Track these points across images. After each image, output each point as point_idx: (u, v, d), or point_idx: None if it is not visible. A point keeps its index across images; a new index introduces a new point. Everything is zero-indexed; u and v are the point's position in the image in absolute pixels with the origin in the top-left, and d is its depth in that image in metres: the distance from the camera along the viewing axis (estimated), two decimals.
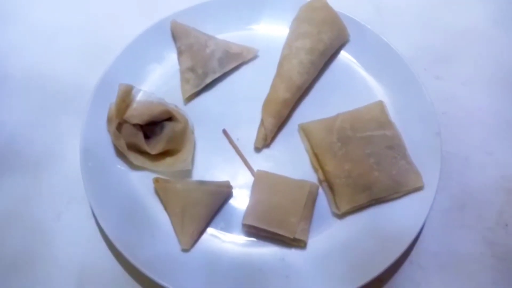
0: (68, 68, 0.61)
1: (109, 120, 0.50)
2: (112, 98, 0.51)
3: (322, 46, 0.56)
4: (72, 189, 0.52)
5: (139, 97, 0.51)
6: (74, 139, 0.52)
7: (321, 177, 0.50)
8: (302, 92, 0.55)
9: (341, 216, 0.49)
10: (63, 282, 0.48)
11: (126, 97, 0.50)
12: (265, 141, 0.53)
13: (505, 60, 0.62)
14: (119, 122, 0.50)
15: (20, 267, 0.49)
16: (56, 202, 0.52)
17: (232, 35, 0.60)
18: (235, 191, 0.51)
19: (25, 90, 0.60)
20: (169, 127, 0.50)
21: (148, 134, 0.51)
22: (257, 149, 0.53)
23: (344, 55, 0.59)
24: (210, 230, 0.48)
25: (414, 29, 0.65)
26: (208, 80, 0.56)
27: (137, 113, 0.50)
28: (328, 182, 0.50)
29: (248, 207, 0.48)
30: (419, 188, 0.49)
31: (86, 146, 0.51)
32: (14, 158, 0.55)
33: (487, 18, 0.66)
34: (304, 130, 0.53)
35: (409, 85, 0.55)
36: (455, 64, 0.62)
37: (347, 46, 0.59)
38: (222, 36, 0.59)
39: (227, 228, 0.49)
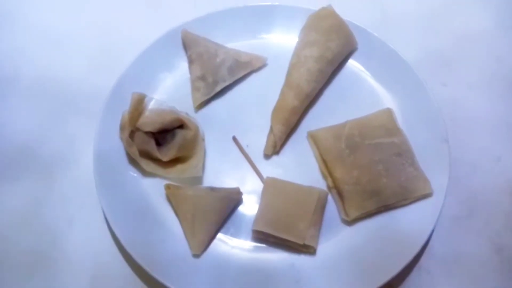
0: (81, 74, 0.62)
1: (122, 128, 0.51)
2: (124, 106, 0.52)
3: (330, 54, 0.56)
4: (85, 194, 0.53)
5: (151, 105, 0.52)
6: (87, 144, 0.54)
7: (330, 184, 0.51)
8: (310, 100, 0.56)
9: (350, 222, 0.49)
10: (75, 286, 0.49)
11: (138, 106, 0.51)
12: (275, 148, 0.54)
13: (510, 64, 0.63)
14: (132, 130, 0.51)
15: (33, 270, 0.49)
16: (69, 206, 0.53)
17: (241, 44, 0.60)
18: (244, 197, 0.51)
19: (38, 95, 0.61)
20: (180, 134, 0.51)
21: (160, 142, 0.52)
22: (267, 156, 0.54)
23: (352, 63, 0.60)
24: (220, 236, 0.49)
25: (419, 35, 0.65)
26: (218, 88, 0.57)
27: (149, 121, 0.50)
28: (337, 189, 0.50)
29: (258, 213, 0.49)
30: (427, 195, 0.49)
31: (99, 153, 0.52)
32: (27, 162, 0.56)
33: (490, 23, 0.67)
34: (313, 137, 0.54)
35: (416, 92, 0.55)
36: (460, 69, 0.62)
37: (355, 54, 0.60)
38: (231, 45, 0.60)
39: (237, 234, 0.49)
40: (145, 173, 0.52)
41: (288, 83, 0.56)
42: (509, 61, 0.63)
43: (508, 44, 0.65)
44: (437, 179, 0.50)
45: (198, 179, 0.52)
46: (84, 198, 0.53)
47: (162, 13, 0.68)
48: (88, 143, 0.53)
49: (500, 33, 0.66)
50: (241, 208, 0.51)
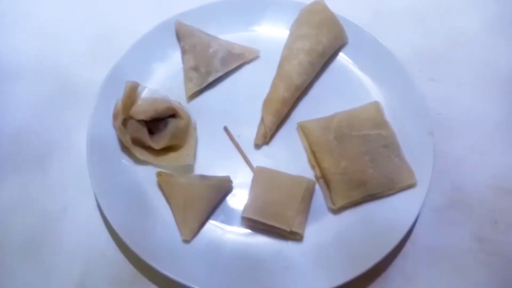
0: (76, 64, 0.63)
1: (115, 116, 0.52)
2: (117, 95, 0.53)
3: (321, 48, 0.58)
4: (78, 182, 0.54)
5: (144, 94, 0.53)
6: (81, 133, 0.54)
7: (318, 173, 0.52)
8: (301, 92, 0.57)
9: (336, 211, 0.50)
10: (68, 271, 0.50)
11: (132, 94, 0.52)
12: (265, 138, 0.55)
13: (498, 63, 0.64)
14: (125, 118, 0.52)
15: (26, 257, 0.50)
16: (63, 194, 0.54)
17: (234, 36, 0.61)
18: (234, 186, 0.53)
19: (32, 84, 0.61)
20: (172, 123, 0.52)
21: (152, 130, 0.52)
22: (257, 146, 0.55)
23: (342, 57, 0.61)
24: (210, 223, 0.50)
25: (410, 32, 0.67)
26: (211, 79, 0.58)
27: (142, 109, 0.51)
28: (324, 179, 0.52)
29: (247, 201, 0.50)
30: (411, 185, 0.51)
31: (92, 141, 0.53)
32: (22, 151, 0.56)
33: (481, 23, 0.68)
34: (303, 128, 0.55)
35: (404, 86, 0.57)
36: (448, 67, 0.64)
37: (345, 48, 0.61)
38: (225, 36, 0.61)
39: (226, 221, 0.50)
40: (137, 161, 0.53)
41: (279, 75, 0.57)
42: (497, 60, 0.65)
43: (496, 44, 0.66)
44: (422, 170, 0.51)
45: (190, 168, 0.53)
46: (78, 186, 0.54)
47: (157, 4, 0.68)
48: (82, 133, 0.54)
49: (489, 33, 0.67)
50: (231, 196, 0.52)
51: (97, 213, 0.52)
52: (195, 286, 0.45)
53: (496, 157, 0.57)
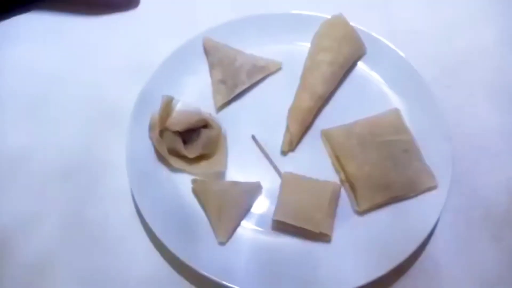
0: (111, 83, 0.65)
1: (152, 128, 0.55)
2: (151, 109, 0.56)
3: (342, 59, 0.60)
4: (118, 196, 0.56)
5: (178, 107, 0.56)
6: (118, 150, 0.57)
7: (343, 177, 0.55)
8: (324, 101, 0.60)
9: (361, 213, 0.52)
10: (109, 277, 0.52)
11: (167, 107, 0.55)
12: (291, 145, 0.57)
13: (506, 71, 0.66)
14: (161, 130, 0.55)
15: (69, 265, 0.53)
16: (105, 205, 0.56)
17: (258, 49, 0.64)
18: (264, 191, 0.55)
19: (70, 105, 0.64)
20: (205, 133, 0.55)
21: (186, 140, 0.55)
22: (284, 153, 0.57)
23: (361, 67, 0.64)
24: (243, 225, 0.53)
25: (425, 41, 0.69)
26: (238, 91, 0.61)
27: (177, 121, 0.54)
28: (349, 183, 0.54)
29: (277, 205, 0.53)
30: (432, 188, 0.53)
31: (131, 153, 0.55)
32: (69, 169, 0.58)
33: (495, 38, 0.70)
34: (326, 135, 0.58)
35: (422, 94, 0.59)
36: (464, 74, 0.66)
37: (364, 59, 0.64)
38: (249, 50, 0.64)
39: (258, 224, 0.53)
40: (173, 169, 0.56)
41: (303, 86, 0.60)
42: (507, 71, 0.66)
43: (506, 56, 0.68)
44: (441, 173, 0.53)
45: (222, 174, 0.56)
46: (118, 200, 0.56)
47: (185, 22, 0.71)
48: (122, 148, 0.56)
49: (504, 48, 0.69)
50: (260, 201, 0.55)
51: (137, 221, 0.55)
52: (234, 286, 0.48)
53: (510, 160, 0.59)
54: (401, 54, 0.62)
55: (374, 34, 0.64)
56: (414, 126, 0.58)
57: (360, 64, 0.64)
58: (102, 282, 0.52)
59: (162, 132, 0.55)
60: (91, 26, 0.72)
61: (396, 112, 0.58)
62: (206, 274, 0.49)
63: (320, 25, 0.64)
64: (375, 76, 0.63)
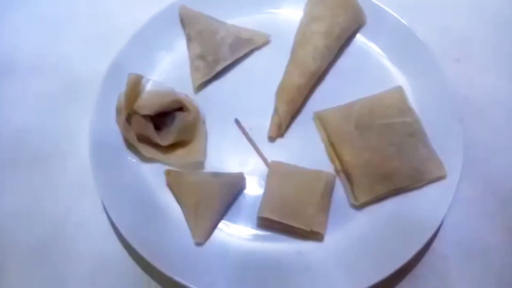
0: (77, 57, 0.60)
1: (118, 112, 0.49)
2: (121, 88, 0.50)
3: (338, 30, 0.54)
4: (83, 182, 0.51)
5: (149, 87, 0.50)
6: (84, 131, 0.51)
7: (338, 167, 0.49)
8: (317, 78, 0.54)
9: (359, 207, 0.47)
10: (75, 276, 0.48)
11: (135, 87, 0.49)
12: (279, 130, 0.52)
13: None
14: (129, 113, 0.49)
15: (32, 261, 0.49)
16: (67, 195, 0.51)
17: (243, 20, 0.58)
18: (248, 183, 0.50)
19: (33, 80, 0.59)
20: (180, 117, 0.50)
21: (159, 125, 0.50)
22: (271, 139, 0.52)
23: (360, 39, 0.57)
24: (223, 223, 0.48)
25: (432, 10, 0.63)
26: (219, 68, 0.55)
27: (146, 103, 0.48)
28: (345, 172, 0.49)
29: (263, 199, 0.47)
30: (441, 177, 0.47)
31: (95, 138, 0.50)
32: (22, 151, 0.54)
33: (506, 3, 0.64)
34: (320, 118, 0.52)
35: (429, 70, 0.53)
36: (474, 47, 0.60)
37: (363, 29, 0.57)
38: (232, 21, 0.58)
39: (241, 221, 0.48)
40: (144, 158, 0.50)
41: (293, 61, 0.54)
42: None
43: None
44: (451, 160, 0.48)
45: (200, 164, 0.50)
46: (83, 187, 0.51)
47: None
48: (85, 129, 0.51)
49: None
50: (245, 194, 0.49)
51: (103, 215, 0.50)
52: None
53: None
54: (405, 23, 0.56)
55: (375, 1, 0.57)
56: (420, 106, 0.52)
57: (358, 36, 0.58)
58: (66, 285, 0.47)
59: (130, 116, 0.49)
60: None
61: (399, 90, 0.52)
62: (180, 280, 0.43)
63: None
64: (375, 50, 0.57)
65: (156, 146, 0.50)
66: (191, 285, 0.43)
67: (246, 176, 0.49)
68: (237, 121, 0.53)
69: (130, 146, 0.50)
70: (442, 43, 0.59)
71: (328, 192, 0.48)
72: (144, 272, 0.47)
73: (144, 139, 0.49)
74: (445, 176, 0.47)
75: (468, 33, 0.61)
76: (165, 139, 0.49)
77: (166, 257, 0.45)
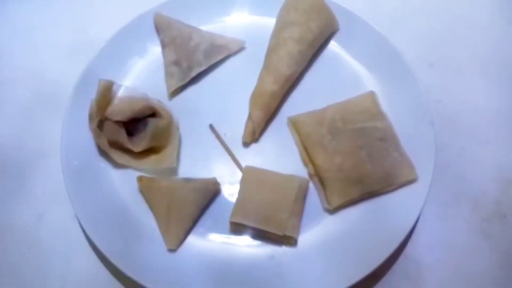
0: (50, 65, 0.59)
1: (90, 118, 0.49)
2: (94, 95, 0.49)
3: (311, 35, 0.54)
4: (55, 191, 0.50)
5: (121, 93, 0.49)
6: (57, 138, 0.51)
7: (312, 171, 0.49)
8: (290, 84, 0.54)
9: (332, 211, 0.47)
10: (46, 284, 0.47)
11: (106, 93, 0.48)
12: (253, 135, 0.51)
13: (499, 47, 0.61)
14: (101, 120, 0.48)
15: (3, 270, 0.47)
16: (39, 204, 0.50)
17: (217, 26, 0.58)
18: (223, 188, 0.49)
19: (5, 88, 0.58)
20: (152, 123, 0.49)
21: (131, 131, 0.49)
22: (245, 144, 0.52)
23: (333, 45, 0.57)
24: (197, 229, 0.47)
25: (405, 16, 0.63)
26: (193, 74, 0.55)
27: (118, 109, 0.48)
28: (318, 177, 0.48)
29: (235, 204, 0.47)
30: (412, 181, 0.47)
31: (67, 145, 0.50)
32: None
33: (480, 5, 0.64)
34: (294, 123, 0.52)
35: (401, 74, 0.53)
36: (448, 51, 0.60)
37: (336, 36, 0.57)
38: (207, 27, 0.58)
39: (214, 227, 0.47)
40: (116, 165, 0.49)
41: (267, 67, 0.54)
42: (497, 44, 0.61)
43: (497, 28, 0.63)
44: (423, 164, 0.48)
45: (173, 170, 0.50)
46: (55, 195, 0.50)
47: None
48: (59, 137, 0.50)
49: (489, 16, 0.63)
50: (219, 200, 0.49)
51: (75, 223, 0.49)
52: None
53: (501, 146, 0.54)
54: (377, 29, 0.56)
55: (347, 7, 0.58)
56: (391, 110, 0.52)
57: (332, 42, 0.58)
58: None
59: (102, 123, 0.48)
60: (31, 3, 0.65)
61: (371, 95, 0.52)
62: (150, 287, 0.42)
63: None
64: (348, 56, 0.57)
65: (128, 152, 0.49)
66: None
67: (220, 181, 0.49)
68: (211, 127, 0.52)
69: (102, 152, 0.50)
70: (415, 48, 0.59)
71: (301, 196, 0.47)
72: (117, 280, 0.46)
73: (117, 145, 0.49)
74: (416, 179, 0.47)
75: (441, 38, 0.61)
76: (137, 145, 0.48)
77: (139, 265, 0.44)
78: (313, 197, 0.48)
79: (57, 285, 0.47)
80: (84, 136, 0.50)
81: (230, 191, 0.49)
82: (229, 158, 0.51)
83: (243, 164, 0.50)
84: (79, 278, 0.47)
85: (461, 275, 0.47)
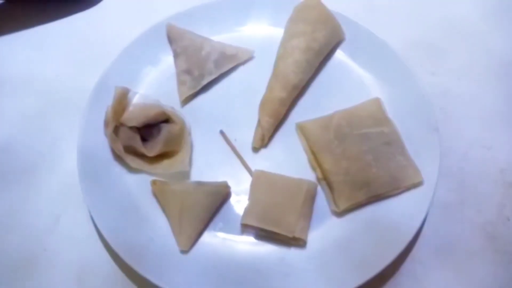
0: (65, 72, 0.61)
1: (106, 124, 0.50)
2: (109, 102, 0.51)
3: (317, 45, 0.56)
4: (70, 194, 0.52)
5: (136, 100, 0.51)
6: (71, 143, 0.52)
7: (320, 175, 0.50)
8: (298, 91, 0.55)
9: (340, 214, 0.48)
10: (62, 286, 0.48)
11: (122, 100, 0.50)
12: (263, 141, 0.53)
13: (498, 52, 0.62)
14: (116, 125, 0.50)
15: (19, 273, 0.49)
16: (54, 207, 0.52)
17: (227, 36, 0.59)
18: (233, 192, 0.50)
19: (20, 94, 0.60)
20: (166, 129, 0.50)
21: (145, 137, 0.51)
22: (255, 149, 0.53)
23: (339, 54, 0.59)
24: (208, 231, 0.48)
25: (406, 25, 0.65)
26: (205, 82, 0.56)
27: (133, 115, 0.49)
28: (326, 180, 0.50)
29: (246, 207, 0.48)
30: (418, 184, 0.48)
31: (83, 150, 0.51)
32: (10, 164, 0.55)
33: (477, 11, 0.66)
34: (301, 129, 0.53)
35: (405, 81, 0.54)
36: (449, 59, 0.62)
37: (342, 45, 0.59)
38: (217, 38, 0.59)
39: (225, 229, 0.48)
40: (131, 169, 0.51)
41: (275, 75, 0.55)
42: (496, 49, 0.62)
43: (494, 32, 0.64)
44: (428, 168, 0.49)
45: (185, 174, 0.51)
46: (70, 198, 0.52)
47: (147, 8, 0.67)
48: (73, 143, 0.52)
49: (486, 21, 0.65)
50: (230, 203, 0.50)
51: (91, 225, 0.50)
52: None
53: (503, 150, 0.55)
54: (382, 39, 0.58)
55: (352, 17, 0.59)
56: (397, 116, 0.53)
57: (338, 52, 0.59)
58: None
59: (117, 128, 0.50)
60: (48, 11, 0.67)
61: (377, 101, 0.54)
62: (165, 287, 0.44)
63: (294, 9, 0.59)
64: (354, 64, 0.58)
65: (142, 157, 0.50)
66: None
67: (231, 185, 0.50)
68: (222, 133, 0.54)
69: (117, 157, 0.51)
70: (418, 57, 0.61)
71: (309, 199, 0.48)
72: (131, 281, 0.47)
73: (131, 151, 0.50)
74: (422, 182, 0.48)
75: (443, 47, 0.63)
76: (151, 150, 0.50)
77: (152, 265, 0.45)
78: (322, 200, 0.49)
79: (72, 286, 0.48)
80: (99, 142, 0.52)
81: (241, 195, 0.50)
82: (239, 162, 0.52)
83: (253, 169, 0.51)
84: (95, 279, 0.48)
85: (465, 279, 0.47)
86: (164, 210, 0.49)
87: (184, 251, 0.46)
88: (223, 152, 0.53)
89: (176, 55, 0.58)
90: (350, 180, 0.48)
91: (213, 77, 0.57)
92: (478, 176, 0.53)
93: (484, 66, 0.61)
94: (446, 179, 0.52)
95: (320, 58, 0.57)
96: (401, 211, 0.48)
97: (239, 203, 0.50)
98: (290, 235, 0.46)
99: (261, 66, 0.58)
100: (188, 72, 0.56)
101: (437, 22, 0.65)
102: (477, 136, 0.56)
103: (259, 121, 0.53)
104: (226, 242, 0.47)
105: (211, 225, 0.49)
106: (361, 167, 0.49)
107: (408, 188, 0.48)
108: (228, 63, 0.58)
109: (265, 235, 0.47)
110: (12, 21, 0.66)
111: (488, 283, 0.47)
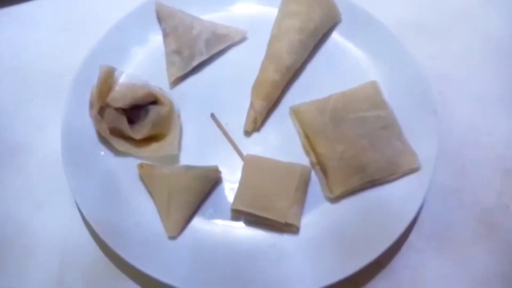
0: (49, 51, 0.59)
1: (91, 105, 0.48)
2: (94, 82, 0.49)
3: (312, 26, 0.54)
4: (54, 178, 0.50)
5: (122, 79, 0.49)
6: (56, 126, 0.50)
7: (314, 160, 0.49)
8: (292, 73, 0.53)
9: (334, 200, 0.47)
10: (46, 270, 0.46)
11: (108, 80, 0.48)
12: (255, 124, 0.51)
13: (497, 36, 0.61)
14: (101, 106, 0.48)
15: (1, 259, 0.47)
16: (38, 192, 0.50)
17: (219, 15, 0.57)
18: (224, 177, 0.49)
19: (1, 75, 0.57)
20: (154, 110, 0.49)
21: (132, 119, 0.49)
22: (247, 133, 0.51)
23: (336, 36, 0.57)
24: (198, 217, 0.46)
25: (405, 8, 0.63)
26: (195, 63, 0.54)
27: (119, 96, 0.48)
28: (320, 165, 0.48)
29: (237, 192, 0.46)
30: (415, 169, 0.47)
31: (67, 132, 0.49)
32: None
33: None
34: (296, 112, 0.51)
35: (403, 63, 0.53)
36: (449, 42, 0.60)
37: (338, 27, 0.57)
38: (208, 17, 0.57)
39: (216, 215, 0.47)
40: (117, 152, 0.49)
41: (268, 56, 0.54)
42: (497, 36, 0.61)
43: (496, 19, 0.62)
44: (425, 152, 0.48)
45: (174, 158, 0.49)
46: (53, 183, 0.50)
47: None
48: (58, 125, 0.50)
49: (487, 7, 0.63)
50: (220, 188, 0.49)
51: (75, 210, 0.48)
52: (181, 286, 0.41)
53: (503, 136, 0.53)
54: (380, 20, 0.56)
55: None
56: (394, 100, 0.51)
57: (334, 34, 0.57)
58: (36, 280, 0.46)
59: (103, 110, 0.48)
60: None
61: (374, 84, 0.52)
62: (153, 274, 0.42)
63: None
64: (351, 47, 0.56)
65: (129, 139, 0.48)
66: (164, 279, 0.42)
67: (222, 170, 0.48)
68: (212, 116, 0.52)
69: (103, 140, 0.49)
70: (416, 40, 0.58)
71: (303, 184, 0.47)
72: (116, 267, 0.46)
73: (117, 133, 0.48)
74: (419, 168, 0.47)
75: (442, 30, 0.61)
76: (138, 133, 0.48)
77: (138, 251, 0.43)
78: (315, 185, 0.48)
79: (56, 274, 0.46)
80: (85, 123, 0.50)
81: (232, 179, 0.48)
82: (230, 147, 0.51)
83: (245, 153, 0.49)
84: (79, 266, 0.46)
85: (463, 267, 0.46)
86: (151, 194, 0.47)
87: (172, 237, 0.45)
88: (214, 136, 0.51)
89: (165, 35, 0.56)
90: (345, 165, 0.47)
91: (203, 58, 0.55)
92: (477, 162, 0.52)
93: (483, 50, 0.60)
94: (444, 164, 0.51)
95: (316, 39, 0.55)
96: (397, 197, 0.46)
97: (230, 188, 0.48)
98: (283, 221, 0.44)
99: (253, 47, 0.56)
100: (177, 52, 0.54)
101: (436, 5, 0.63)
102: (476, 121, 0.54)
103: (251, 104, 0.52)
104: (216, 228, 0.46)
105: (201, 211, 0.47)
106: (357, 151, 0.47)
107: (404, 174, 0.47)
108: (220, 43, 0.56)
109: (256, 220, 0.46)
110: None
111: (486, 272, 0.46)
